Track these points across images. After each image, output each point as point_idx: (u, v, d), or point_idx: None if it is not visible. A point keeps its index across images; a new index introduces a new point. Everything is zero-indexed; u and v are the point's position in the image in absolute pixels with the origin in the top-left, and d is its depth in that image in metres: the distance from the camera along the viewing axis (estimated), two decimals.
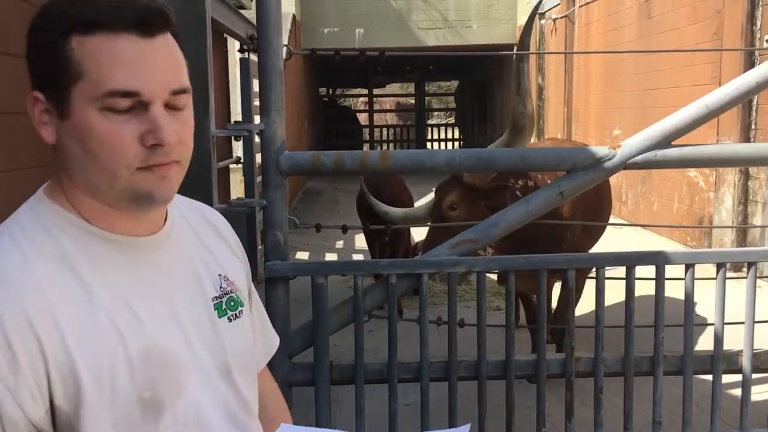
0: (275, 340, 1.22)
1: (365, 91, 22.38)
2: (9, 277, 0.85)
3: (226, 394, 0.99)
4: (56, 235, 0.90)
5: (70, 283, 0.88)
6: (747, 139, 6.09)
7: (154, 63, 0.87)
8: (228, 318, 1.02)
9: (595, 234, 4.20)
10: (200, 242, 1.05)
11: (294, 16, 11.40)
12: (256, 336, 1.14)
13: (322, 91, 21.30)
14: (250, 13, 5.39)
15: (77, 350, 0.86)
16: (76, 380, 0.85)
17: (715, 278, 2.62)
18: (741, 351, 2.65)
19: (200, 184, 2.20)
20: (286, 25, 10.01)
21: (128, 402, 0.88)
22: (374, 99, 22.79)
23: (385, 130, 22.56)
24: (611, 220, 9.04)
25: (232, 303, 1.04)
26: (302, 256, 7.09)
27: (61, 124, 0.88)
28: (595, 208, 3.91)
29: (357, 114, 23.04)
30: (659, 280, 2.57)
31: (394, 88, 27.24)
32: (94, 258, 0.91)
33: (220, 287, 1.03)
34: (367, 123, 21.91)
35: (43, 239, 0.89)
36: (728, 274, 2.63)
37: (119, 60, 0.85)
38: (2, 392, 0.82)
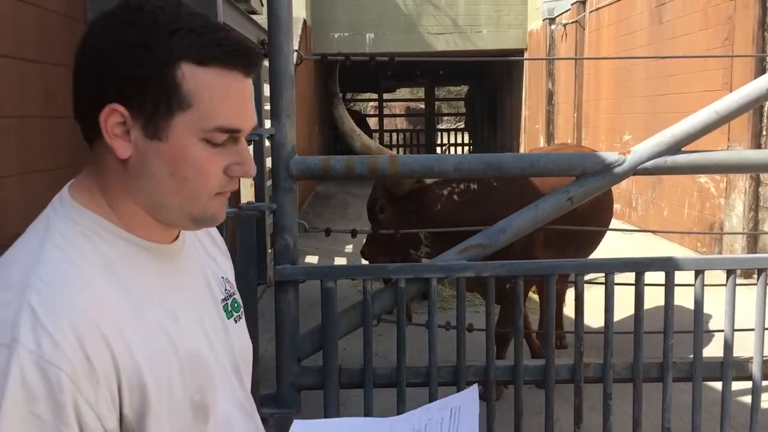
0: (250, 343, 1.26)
1: (375, 96, 22.42)
2: (71, 288, 0.84)
3: (239, 390, 1.04)
4: (95, 242, 0.90)
5: (118, 291, 0.88)
6: (758, 146, 6.06)
7: (250, 102, 0.92)
8: (234, 319, 1.06)
9: (587, 245, 3.97)
10: (203, 247, 1.08)
11: (305, 21, 11.45)
12: None
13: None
14: (262, 19, 5.42)
15: (142, 359, 0.86)
16: (142, 389, 0.86)
17: (725, 285, 2.61)
18: (751, 358, 2.64)
19: None
20: (297, 30, 10.05)
21: (183, 406, 0.91)
22: (384, 103, 22.83)
23: (395, 135, 22.60)
24: (622, 225, 9.02)
25: (236, 304, 1.08)
26: (311, 260, 7.11)
27: (148, 143, 0.88)
28: (585, 219, 3.63)
29: (367, 118, 23.09)
30: (669, 286, 2.56)
31: (404, 92, 27.28)
32: (132, 265, 0.91)
33: (225, 290, 1.07)
34: (377, 127, 21.95)
35: (84, 246, 0.89)
36: (738, 281, 2.62)
37: (230, 98, 0.89)
38: (83, 406, 0.81)
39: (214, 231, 1.14)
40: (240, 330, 1.07)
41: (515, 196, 3.39)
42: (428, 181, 3.48)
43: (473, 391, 1.12)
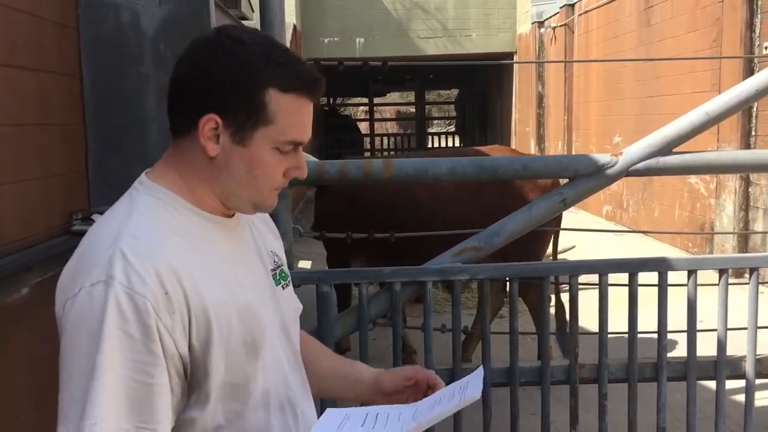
0: (300, 306, 1.40)
1: (366, 100, 22.43)
2: (155, 242, 1.06)
3: (286, 347, 1.24)
4: (172, 212, 1.12)
5: (190, 249, 1.09)
6: (747, 146, 6.11)
7: (311, 120, 1.15)
8: (282, 286, 1.26)
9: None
10: (255, 227, 1.28)
11: (295, 26, 11.46)
12: None
13: (323, 100, 21.34)
14: (254, 24, 5.43)
15: (208, 301, 1.07)
16: (208, 323, 1.07)
17: (717, 284, 2.63)
18: (744, 356, 2.66)
19: None
20: (287, 36, 10.05)
21: (237, 344, 1.10)
22: (374, 108, 22.84)
23: (386, 139, 22.60)
24: (613, 226, 9.04)
25: (283, 274, 1.28)
26: (305, 265, 7.10)
27: (233, 147, 1.11)
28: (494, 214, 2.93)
29: (358, 123, 23.08)
30: (662, 286, 2.58)
31: (394, 96, 27.29)
32: (201, 231, 1.13)
33: (273, 261, 1.27)
34: (368, 132, 21.95)
35: (163, 215, 1.11)
36: (730, 280, 2.64)
37: (301, 119, 1.13)
38: (162, 329, 1.02)
39: (265, 216, 1.35)
40: (287, 296, 1.27)
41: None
42: None
43: (479, 372, 1.31)
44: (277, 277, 1.26)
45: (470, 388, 1.25)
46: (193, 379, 1.07)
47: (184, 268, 1.05)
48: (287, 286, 1.28)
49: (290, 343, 1.25)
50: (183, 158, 1.14)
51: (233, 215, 1.20)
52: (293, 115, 1.11)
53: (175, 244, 1.08)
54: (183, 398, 1.07)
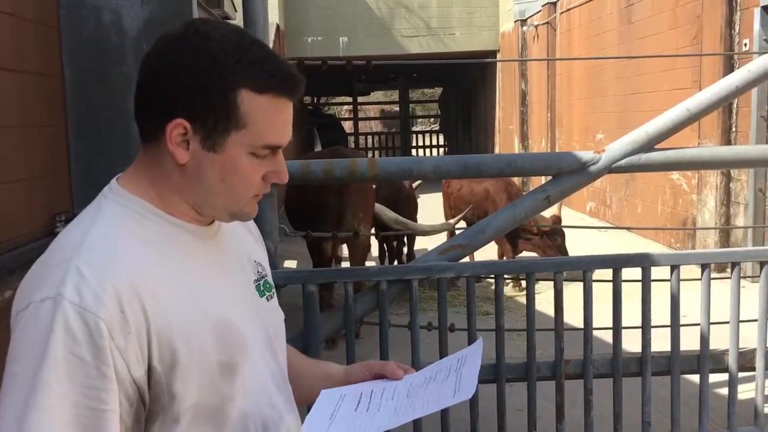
0: (283, 315, 1.35)
1: (350, 99, 22.42)
2: (115, 255, 0.97)
3: (270, 362, 1.15)
4: (141, 222, 1.03)
5: (158, 262, 1.01)
6: (728, 142, 6.18)
7: (291, 122, 1.06)
8: (266, 298, 1.18)
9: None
10: (235, 232, 1.20)
11: (278, 25, 11.42)
12: None
13: (307, 99, 21.30)
14: (236, 23, 5.40)
15: (173, 319, 0.99)
16: (172, 343, 0.98)
17: (700, 279, 2.66)
18: (727, 350, 2.69)
19: None
20: (270, 35, 10.02)
21: (210, 364, 1.02)
22: (359, 107, 22.83)
23: (370, 138, 22.61)
24: (597, 223, 9.10)
25: (267, 285, 1.20)
26: (291, 264, 7.09)
27: (205, 154, 1.02)
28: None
29: (342, 122, 23.06)
30: (645, 281, 2.61)
31: (378, 95, 27.31)
32: (173, 242, 1.05)
33: (257, 271, 1.19)
34: (352, 131, 21.95)
35: (130, 225, 1.02)
36: (712, 275, 2.67)
37: (278, 121, 1.03)
38: (115, 351, 0.93)
39: (250, 222, 1.25)
40: (272, 308, 1.20)
41: None
42: None
43: (478, 343, 1.26)
44: (261, 289, 1.18)
45: (468, 363, 1.20)
46: (156, 404, 0.99)
47: (147, 283, 0.97)
48: (272, 297, 1.20)
49: (274, 357, 1.17)
50: (153, 165, 1.05)
51: (211, 222, 1.11)
52: (269, 117, 1.02)
53: (140, 256, 0.99)
54: (136, 426, 0.99)
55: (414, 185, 6.87)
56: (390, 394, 1.18)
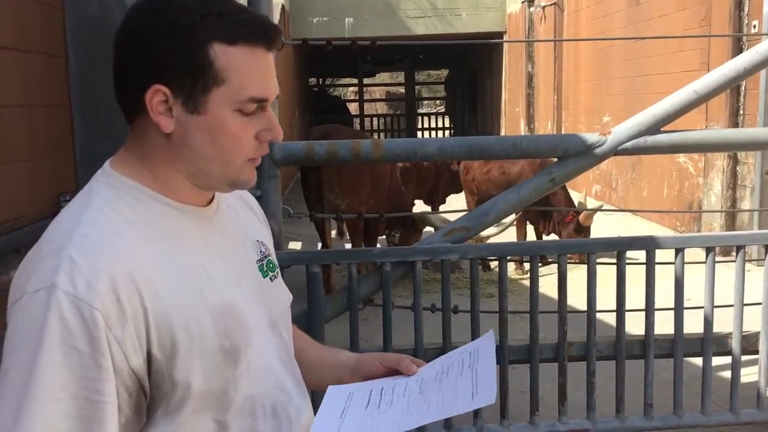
0: (290, 296, 1.33)
1: (355, 81, 22.32)
2: (108, 241, 0.94)
3: (276, 343, 1.13)
4: (133, 204, 1.00)
5: (153, 246, 0.98)
6: (735, 124, 6.13)
7: (274, 74, 1.03)
8: (270, 278, 1.15)
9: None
10: (237, 214, 1.17)
11: (283, 5, 11.35)
12: None
13: (312, 81, 21.22)
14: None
15: (170, 305, 0.96)
16: (170, 331, 0.96)
17: (704, 262, 2.66)
18: (730, 333, 2.69)
19: None
20: (275, 16, 9.96)
21: (213, 350, 1.00)
22: (364, 88, 22.74)
23: (375, 120, 22.53)
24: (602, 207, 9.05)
25: (271, 265, 1.17)
26: (295, 246, 7.10)
27: (189, 118, 0.98)
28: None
29: (347, 103, 22.98)
30: (650, 264, 2.60)
31: (383, 77, 27.17)
32: (168, 224, 1.02)
33: (260, 251, 1.16)
34: (358, 112, 21.87)
35: (122, 208, 0.99)
36: (717, 258, 2.66)
37: (257, 71, 0.99)
38: (112, 341, 0.91)
39: (252, 201, 1.25)
40: (276, 288, 1.17)
41: None
42: None
43: (490, 335, 1.22)
44: (264, 269, 1.15)
45: (481, 359, 1.15)
46: (158, 391, 0.97)
47: (142, 269, 0.94)
48: (275, 277, 1.17)
49: (281, 339, 1.14)
50: (141, 142, 1.02)
51: (210, 203, 1.08)
52: (247, 68, 0.98)
53: (133, 241, 0.96)
54: (137, 416, 0.97)
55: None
56: (401, 390, 1.14)
